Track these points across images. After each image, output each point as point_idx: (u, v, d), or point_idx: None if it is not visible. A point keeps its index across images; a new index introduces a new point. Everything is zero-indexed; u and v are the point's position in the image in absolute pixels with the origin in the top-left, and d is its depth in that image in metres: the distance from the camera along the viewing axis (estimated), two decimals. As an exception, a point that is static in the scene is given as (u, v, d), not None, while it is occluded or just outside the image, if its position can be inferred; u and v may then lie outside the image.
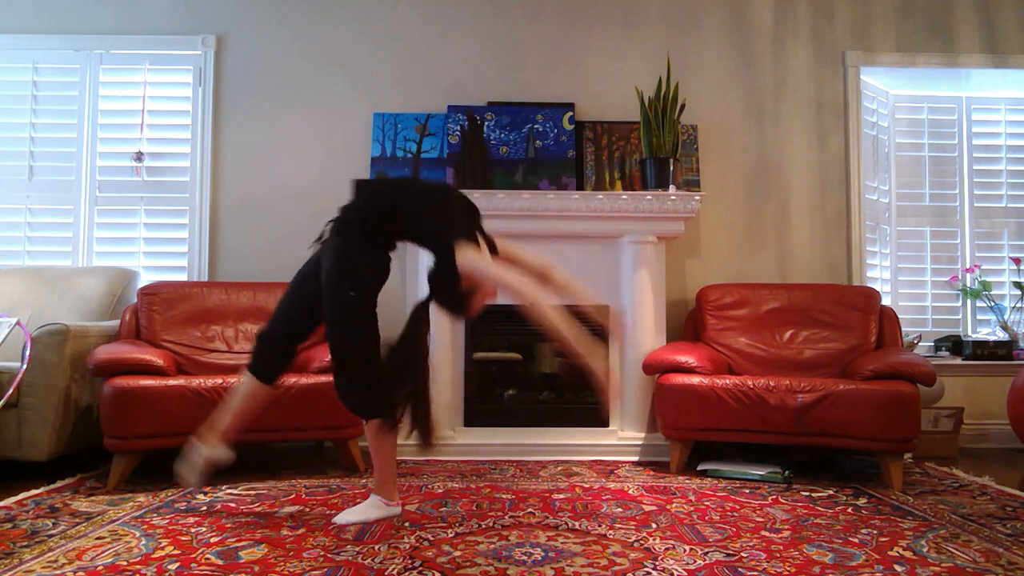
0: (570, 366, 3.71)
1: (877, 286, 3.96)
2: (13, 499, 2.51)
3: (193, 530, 2.17)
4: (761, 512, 2.43)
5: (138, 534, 2.13)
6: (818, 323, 3.47)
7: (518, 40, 3.96)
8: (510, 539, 2.09)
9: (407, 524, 2.25)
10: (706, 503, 2.54)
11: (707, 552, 1.99)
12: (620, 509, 2.45)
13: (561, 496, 2.63)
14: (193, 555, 1.94)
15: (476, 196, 3.44)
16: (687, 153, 3.82)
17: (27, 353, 2.76)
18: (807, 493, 2.71)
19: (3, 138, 3.89)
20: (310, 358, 3.20)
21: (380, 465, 2.35)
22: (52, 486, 2.71)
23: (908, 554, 1.99)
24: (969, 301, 4.13)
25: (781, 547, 2.04)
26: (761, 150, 3.98)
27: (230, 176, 3.90)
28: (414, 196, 2.40)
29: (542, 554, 1.96)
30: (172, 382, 2.81)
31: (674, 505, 2.51)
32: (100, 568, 1.84)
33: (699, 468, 3.05)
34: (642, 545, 2.05)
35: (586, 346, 2.12)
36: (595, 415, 3.56)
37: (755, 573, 1.83)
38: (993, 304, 4.07)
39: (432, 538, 2.10)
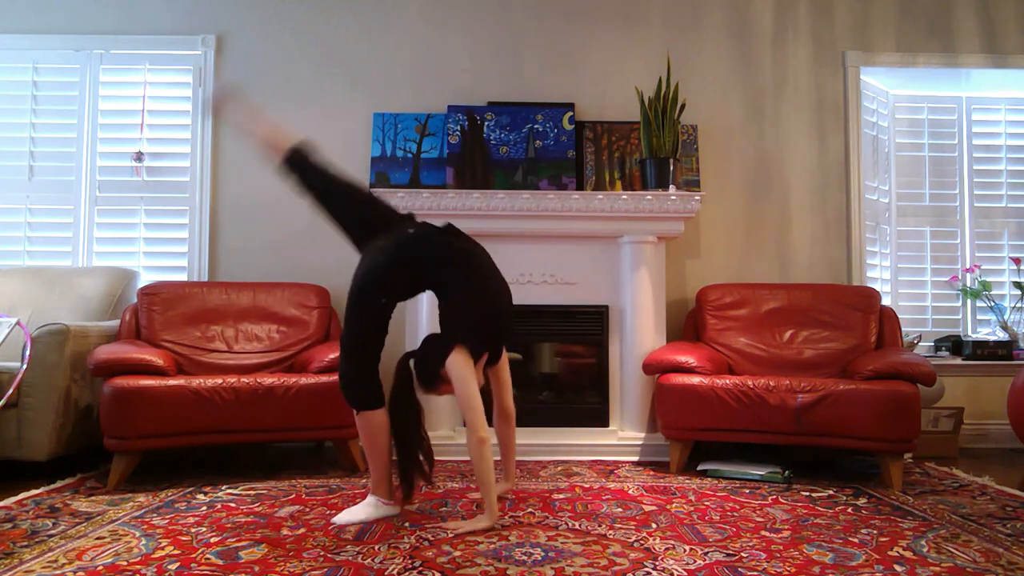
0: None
1: (877, 286, 3.97)
2: (13, 499, 2.51)
3: (193, 530, 2.17)
4: (761, 512, 2.43)
5: (138, 534, 2.13)
6: (818, 323, 3.47)
7: (518, 40, 3.96)
8: (510, 539, 2.09)
9: (407, 524, 2.25)
10: (706, 503, 2.54)
11: (707, 552, 1.99)
12: (620, 509, 2.45)
13: (561, 496, 2.63)
14: (193, 555, 1.94)
15: (476, 196, 3.50)
16: (687, 153, 3.82)
17: (27, 353, 2.76)
18: (807, 493, 2.71)
19: (3, 138, 3.89)
20: (310, 358, 3.21)
21: (373, 463, 2.36)
22: (52, 486, 2.71)
23: (908, 554, 1.99)
24: (969, 301, 4.13)
25: (781, 547, 2.04)
26: (761, 150, 3.98)
27: (230, 176, 3.90)
28: (463, 275, 2.40)
29: (542, 554, 1.96)
30: (172, 382, 2.81)
31: (674, 505, 2.51)
32: (100, 568, 1.84)
33: (699, 468, 3.05)
34: (642, 545, 2.05)
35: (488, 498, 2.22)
36: (595, 415, 3.56)
37: (755, 573, 1.83)
38: (993, 304, 4.07)
39: (432, 538, 2.10)
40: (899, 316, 3.53)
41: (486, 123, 3.78)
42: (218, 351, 3.33)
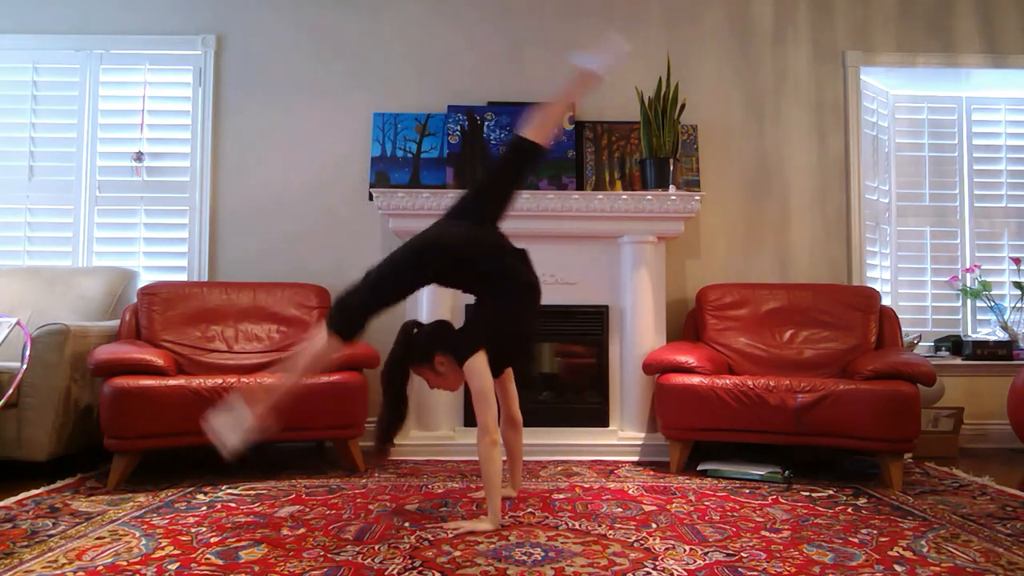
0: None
1: (877, 286, 3.96)
2: (13, 499, 2.51)
3: (193, 530, 2.17)
4: (761, 512, 2.43)
5: (138, 534, 2.13)
6: (818, 323, 3.47)
7: (518, 40, 3.96)
8: (510, 539, 2.09)
9: (407, 524, 2.25)
10: (706, 503, 2.54)
11: (707, 552, 1.99)
12: (620, 509, 2.45)
13: (561, 496, 2.63)
14: (193, 555, 1.94)
15: (476, 196, 3.49)
16: (687, 153, 3.82)
17: (27, 353, 2.76)
18: (807, 493, 2.71)
19: (3, 138, 3.89)
20: (310, 358, 3.20)
21: (288, 377, 2.36)
22: (52, 486, 2.71)
23: (908, 554, 1.99)
24: (969, 301, 4.13)
25: (781, 547, 2.04)
26: (761, 150, 3.98)
27: (230, 176, 3.90)
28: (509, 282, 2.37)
29: (542, 554, 1.96)
30: (172, 382, 2.81)
31: (674, 505, 2.51)
32: (100, 568, 1.84)
33: (699, 468, 3.05)
34: (642, 545, 2.05)
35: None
36: (595, 415, 3.56)
37: (755, 573, 1.83)
38: (993, 304, 4.07)
39: (432, 538, 2.10)
40: (899, 316, 3.53)
41: (486, 123, 3.78)
42: (218, 351, 3.33)
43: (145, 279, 3.71)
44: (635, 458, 3.36)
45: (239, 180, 3.89)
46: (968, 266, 4.13)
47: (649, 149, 3.56)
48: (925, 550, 2.02)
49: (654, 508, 2.47)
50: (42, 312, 3.37)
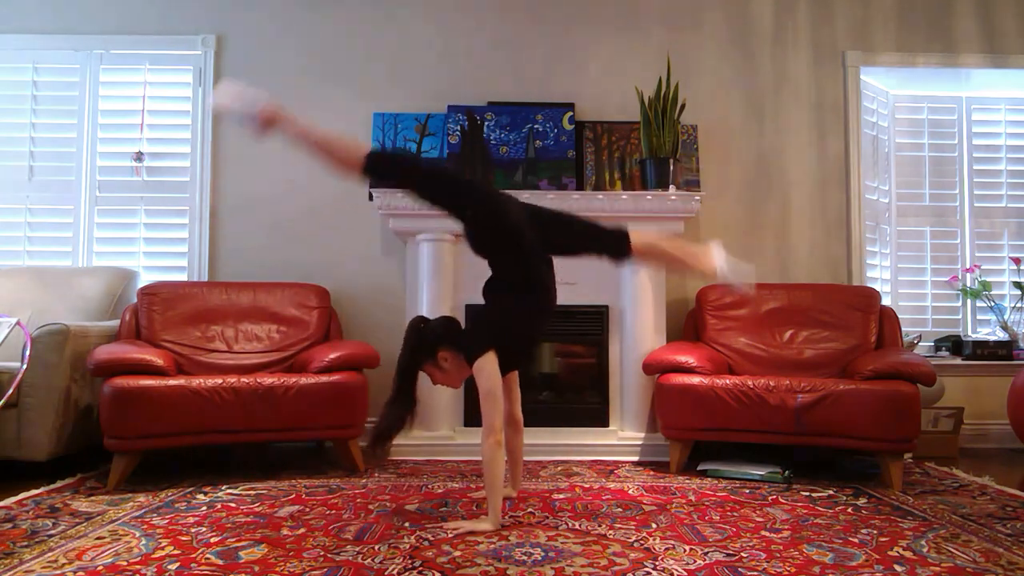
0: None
1: (877, 286, 3.96)
2: (13, 499, 2.51)
3: (193, 530, 2.17)
4: (761, 512, 2.43)
5: (138, 534, 2.13)
6: (818, 323, 3.47)
7: (518, 40, 3.96)
8: (510, 539, 2.09)
9: (407, 524, 2.25)
10: (706, 503, 2.54)
11: (707, 552, 1.99)
12: (620, 509, 2.45)
13: (561, 496, 2.63)
14: (193, 555, 1.94)
15: (476, 196, 3.50)
16: (687, 153, 3.82)
17: (27, 353, 2.76)
18: (807, 493, 2.71)
19: (3, 138, 3.89)
20: (310, 358, 3.21)
21: (326, 134, 2.28)
22: (52, 486, 2.71)
23: (908, 554, 1.99)
24: (969, 301, 4.13)
25: (781, 547, 2.04)
26: (761, 150, 3.98)
27: (230, 176, 3.90)
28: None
29: (542, 554, 1.96)
30: (172, 382, 2.81)
31: (674, 505, 2.51)
32: (100, 568, 1.84)
33: (699, 468, 3.05)
34: (642, 545, 2.05)
35: None
36: (595, 415, 3.56)
37: (755, 573, 1.83)
38: (993, 304, 4.07)
39: (432, 538, 2.10)
40: (899, 316, 3.53)
41: (486, 123, 3.78)
42: (218, 351, 3.33)
43: (145, 279, 3.71)
44: (635, 458, 3.36)
45: (239, 180, 3.89)
46: (968, 266, 4.13)
47: (649, 149, 3.56)
48: (925, 550, 2.02)
49: (654, 508, 2.47)
50: (42, 312, 3.37)
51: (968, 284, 4.11)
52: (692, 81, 3.88)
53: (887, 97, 4.21)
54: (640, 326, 3.49)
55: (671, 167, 3.54)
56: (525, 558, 1.92)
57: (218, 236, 3.87)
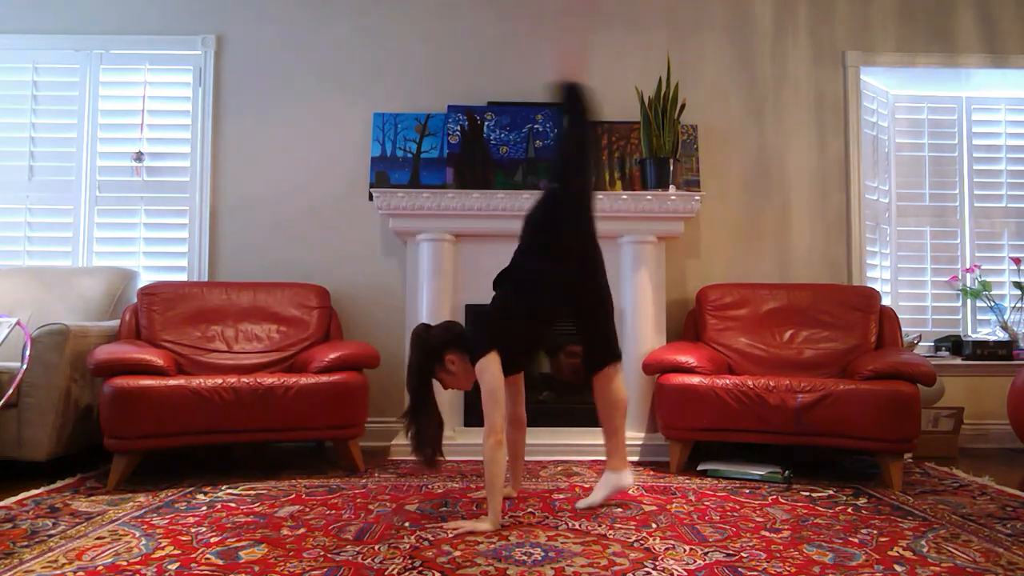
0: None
1: (877, 286, 3.97)
2: (13, 499, 2.51)
3: (193, 530, 2.17)
4: (761, 512, 2.43)
5: (138, 534, 2.13)
6: (818, 323, 3.47)
7: (518, 40, 3.96)
8: (510, 539, 2.09)
9: (407, 524, 2.25)
10: (706, 503, 2.54)
11: (707, 552, 1.99)
12: (620, 509, 2.45)
13: (561, 496, 2.63)
14: (193, 555, 1.94)
15: (476, 196, 3.50)
16: (687, 153, 3.82)
17: (27, 353, 2.76)
18: (807, 493, 2.71)
19: (3, 138, 3.89)
20: (310, 358, 3.21)
21: None
22: (52, 486, 2.71)
23: (908, 554, 1.99)
24: (969, 301, 4.13)
25: (781, 547, 2.04)
26: (761, 150, 3.98)
27: (230, 176, 3.90)
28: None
29: (542, 554, 1.96)
30: (172, 382, 2.81)
31: (674, 505, 2.51)
32: (100, 568, 1.84)
33: (699, 468, 3.05)
34: (642, 545, 2.05)
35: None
36: (595, 415, 3.55)
37: (755, 573, 1.83)
38: (993, 304, 4.07)
39: (432, 538, 2.10)
40: (899, 316, 3.53)
41: (486, 123, 3.78)
42: (218, 351, 3.33)
43: (145, 279, 3.71)
44: (635, 458, 3.36)
45: (239, 180, 3.89)
46: (968, 266, 4.13)
47: (649, 149, 3.56)
48: (925, 550, 2.02)
49: (654, 508, 2.47)
50: (42, 312, 3.37)
51: (968, 284, 4.11)
52: (692, 81, 3.88)
53: (887, 97, 4.21)
54: (640, 326, 3.49)
55: (671, 167, 3.54)
56: (525, 558, 1.92)
57: (218, 236, 3.87)
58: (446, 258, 3.53)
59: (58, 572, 1.81)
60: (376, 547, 2.02)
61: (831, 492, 2.72)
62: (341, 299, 3.74)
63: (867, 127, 4.07)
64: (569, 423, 3.54)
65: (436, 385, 2.34)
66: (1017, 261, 4.09)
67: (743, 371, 3.32)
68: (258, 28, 3.94)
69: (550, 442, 3.39)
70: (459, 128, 3.76)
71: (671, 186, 3.53)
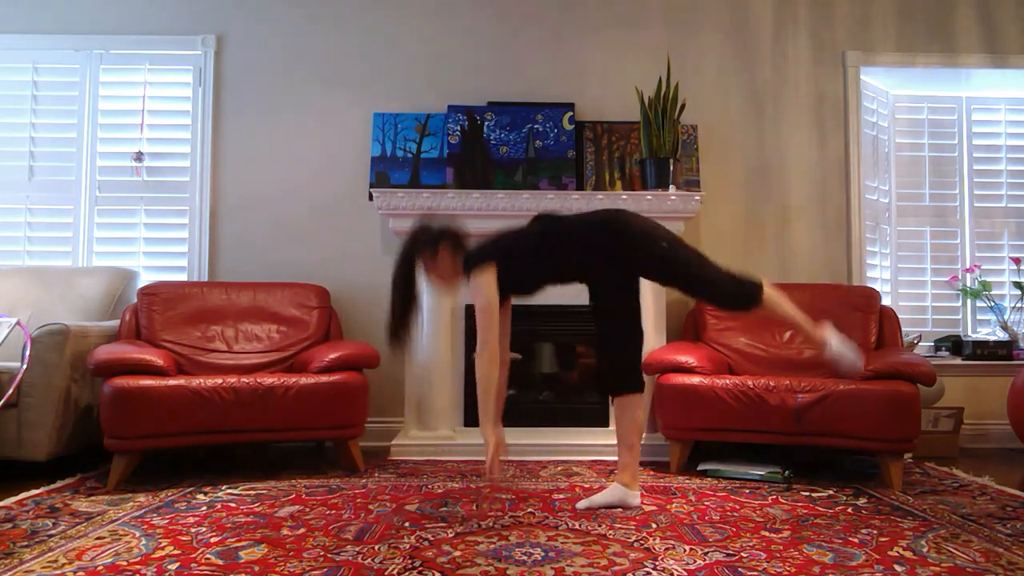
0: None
1: (877, 286, 3.96)
2: (13, 499, 2.51)
3: (193, 530, 2.17)
4: (761, 512, 2.43)
5: (138, 534, 2.13)
6: (818, 323, 3.46)
7: (518, 40, 3.96)
8: (510, 539, 2.09)
9: (407, 524, 2.25)
10: (706, 503, 2.54)
11: (707, 552, 1.99)
12: (620, 509, 2.45)
13: (561, 496, 2.63)
14: (193, 555, 1.94)
15: (476, 196, 3.50)
16: (687, 153, 3.82)
17: (27, 353, 2.76)
18: (807, 493, 2.71)
19: (3, 138, 3.89)
20: (310, 358, 3.21)
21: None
22: (52, 486, 2.71)
23: (908, 554, 1.99)
24: (969, 301, 4.12)
25: (781, 547, 2.04)
26: (761, 150, 3.98)
27: (230, 176, 3.90)
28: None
29: (542, 554, 1.96)
30: (172, 382, 2.81)
31: (674, 505, 2.51)
32: (100, 568, 1.84)
33: (699, 468, 3.05)
34: (642, 545, 2.05)
35: None
36: (595, 415, 3.56)
37: (755, 573, 1.83)
38: (993, 304, 4.07)
39: (432, 538, 2.10)
40: (899, 316, 3.53)
41: (486, 123, 3.78)
42: (218, 351, 3.33)
43: (145, 279, 3.71)
44: (635, 458, 3.35)
45: (239, 180, 3.89)
46: (968, 266, 4.13)
47: (649, 149, 3.56)
48: (925, 550, 2.02)
49: (654, 508, 2.47)
50: (42, 312, 3.37)
51: (968, 284, 4.11)
52: (692, 81, 3.88)
53: (887, 97, 4.21)
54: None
55: (671, 167, 3.54)
56: (525, 558, 1.92)
57: (218, 236, 3.87)
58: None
59: (58, 572, 1.81)
60: (376, 547, 2.02)
61: (831, 492, 2.72)
62: (341, 299, 3.74)
63: (867, 127, 4.07)
64: (569, 423, 3.53)
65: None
66: (1017, 261, 4.09)
67: (743, 371, 3.32)
68: (258, 28, 3.94)
69: (550, 442, 3.38)
70: (459, 128, 3.76)
71: (671, 186, 3.52)
